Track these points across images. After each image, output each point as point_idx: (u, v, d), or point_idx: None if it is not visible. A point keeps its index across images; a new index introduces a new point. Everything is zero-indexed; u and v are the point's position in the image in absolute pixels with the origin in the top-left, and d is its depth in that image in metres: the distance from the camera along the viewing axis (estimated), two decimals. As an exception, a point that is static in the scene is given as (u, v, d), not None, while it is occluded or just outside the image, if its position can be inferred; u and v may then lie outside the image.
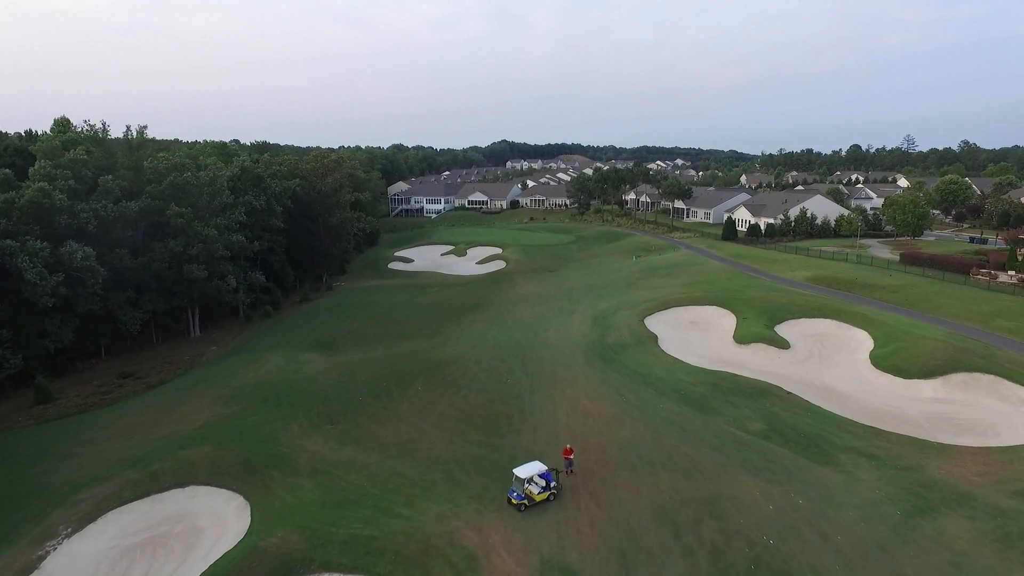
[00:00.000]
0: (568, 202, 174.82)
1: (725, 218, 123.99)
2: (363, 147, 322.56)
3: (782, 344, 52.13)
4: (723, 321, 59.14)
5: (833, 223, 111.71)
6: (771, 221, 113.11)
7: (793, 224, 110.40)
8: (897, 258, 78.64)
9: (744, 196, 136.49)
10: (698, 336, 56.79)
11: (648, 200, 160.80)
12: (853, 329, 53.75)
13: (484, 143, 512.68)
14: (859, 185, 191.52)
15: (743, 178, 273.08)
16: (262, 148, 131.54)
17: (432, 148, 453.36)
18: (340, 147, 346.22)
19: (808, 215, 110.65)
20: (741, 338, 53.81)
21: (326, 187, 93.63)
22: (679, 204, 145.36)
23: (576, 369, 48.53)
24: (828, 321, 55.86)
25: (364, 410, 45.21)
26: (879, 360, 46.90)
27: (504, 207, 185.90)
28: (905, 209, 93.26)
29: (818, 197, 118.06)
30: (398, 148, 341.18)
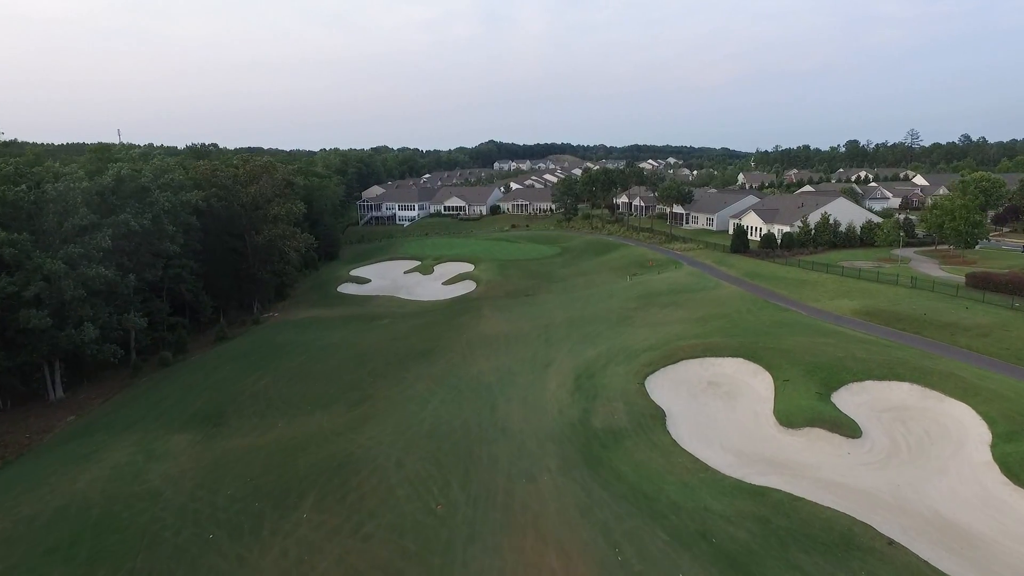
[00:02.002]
0: (554, 207, 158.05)
1: (732, 226, 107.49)
2: (342, 149, 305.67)
3: (849, 429, 35.41)
4: (755, 383, 42.43)
5: (859, 230, 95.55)
6: (787, 229, 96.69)
7: (813, 232, 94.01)
8: (962, 280, 62.19)
9: (752, 199, 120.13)
10: (723, 410, 40.00)
11: (642, 204, 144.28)
12: (947, 401, 37.18)
13: (472, 144, 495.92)
14: (872, 184, 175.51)
15: (740, 176, 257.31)
16: (200, 152, 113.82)
17: (418, 150, 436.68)
18: (320, 150, 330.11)
19: (831, 221, 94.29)
20: (788, 417, 37.05)
21: (248, 198, 76.33)
22: (677, 209, 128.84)
23: (545, 485, 31.63)
24: (907, 386, 39.26)
25: (205, 565, 28.23)
26: (1011, 464, 30.27)
27: (483, 213, 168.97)
28: (956, 216, 76.96)
29: (841, 200, 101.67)
30: (376, 150, 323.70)
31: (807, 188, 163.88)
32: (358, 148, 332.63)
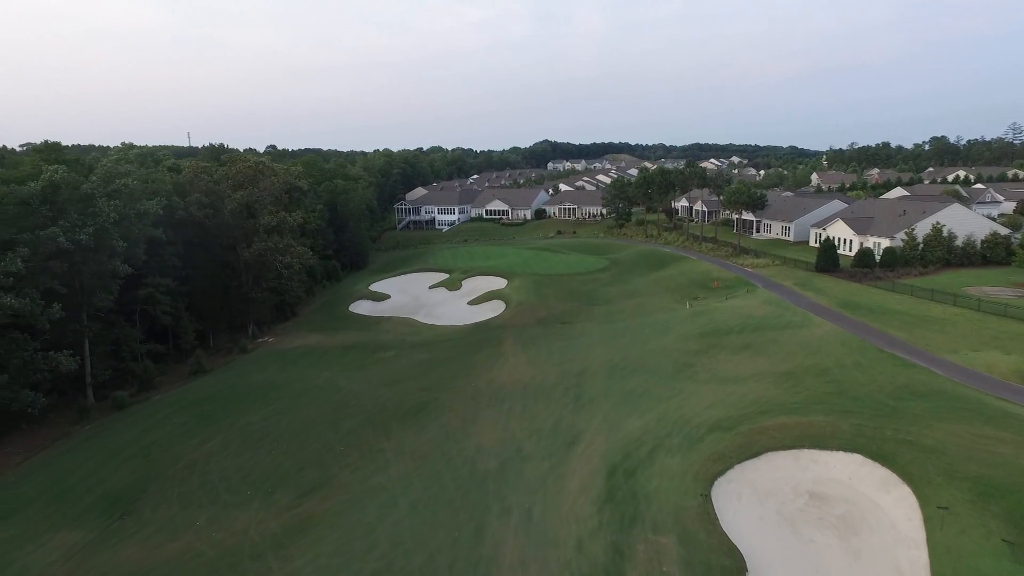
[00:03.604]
0: (604, 211, 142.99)
1: (817, 237, 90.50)
2: (394, 150, 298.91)
3: (1086, 631, 19.99)
4: (887, 505, 27.22)
5: (979, 244, 76.84)
6: (887, 243, 78.88)
7: (922, 247, 75.97)
8: None
9: (838, 205, 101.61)
10: (841, 559, 25.00)
11: (704, 209, 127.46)
12: None
13: (527, 144, 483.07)
14: (978, 186, 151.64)
15: (814, 177, 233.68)
16: (217, 152, 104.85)
17: (470, 150, 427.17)
18: (374, 151, 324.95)
19: (944, 234, 76.00)
20: (960, 592, 21.88)
21: (235, 206, 65.28)
22: (747, 215, 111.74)
23: None
24: None
25: None
26: None
27: (527, 217, 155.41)
28: None
29: (955, 207, 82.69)
30: (426, 151, 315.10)
31: (899, 191, 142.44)
32: (411, 149, 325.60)
